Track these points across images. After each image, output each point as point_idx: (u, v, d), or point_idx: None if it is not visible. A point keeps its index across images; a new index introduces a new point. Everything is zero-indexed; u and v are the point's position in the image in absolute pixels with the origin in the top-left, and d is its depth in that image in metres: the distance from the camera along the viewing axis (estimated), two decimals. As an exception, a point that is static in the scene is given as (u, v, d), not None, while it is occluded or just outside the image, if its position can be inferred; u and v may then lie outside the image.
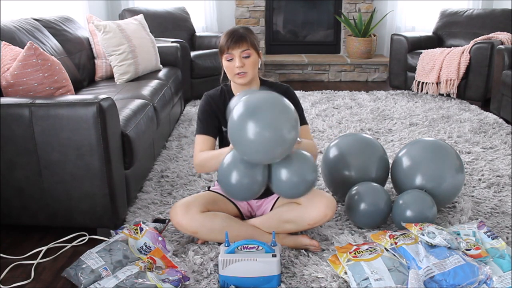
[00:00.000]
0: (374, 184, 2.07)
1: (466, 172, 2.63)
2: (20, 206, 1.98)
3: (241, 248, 1.68)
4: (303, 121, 1.94)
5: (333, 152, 2.24)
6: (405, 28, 5.33)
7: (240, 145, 1.54)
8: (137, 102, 2.51)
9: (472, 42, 4.14)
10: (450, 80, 4.15)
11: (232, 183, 1.61)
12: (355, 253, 1.70)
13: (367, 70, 5.17)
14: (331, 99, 4.20)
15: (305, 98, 4.25)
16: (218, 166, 1.69)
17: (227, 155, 1.66)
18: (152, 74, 3.29)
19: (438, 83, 4.26)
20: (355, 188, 2.06)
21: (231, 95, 1.94)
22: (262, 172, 1.63)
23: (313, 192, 1.92)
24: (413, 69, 4.46)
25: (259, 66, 1.90)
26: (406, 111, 3.83)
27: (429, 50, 4.38)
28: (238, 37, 1.81)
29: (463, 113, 3.75)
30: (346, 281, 1.68)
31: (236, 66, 1.81)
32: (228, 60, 1.83)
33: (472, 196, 2.35)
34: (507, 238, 1.97)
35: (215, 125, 1.94)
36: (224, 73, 1.90)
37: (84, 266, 1.67)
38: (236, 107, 1.56)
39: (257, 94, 1.61)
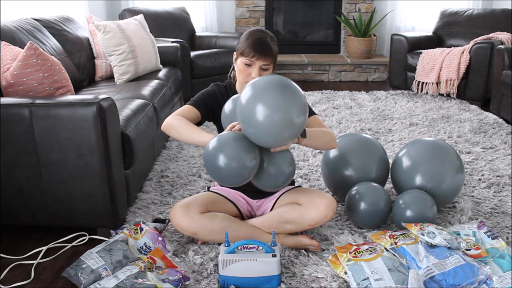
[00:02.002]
0: (374, 184, 2.07)
1: (466, 172, 2.63)
2: (20, 206, 1.98)
3: (241, 248, 1.68)
4: (311, 113, 1.97)
5: (333, 152, 2.24)
6: (405, 28, 5.32)
7: (248, 127, 1.55)
8: (137, 102, 2.51)
9: (472, 42, 4.14)
10: (450, 80, 4.15)
11: (221, 167, 1.57)
12: (355, 253, 1.70)
13: (367, 70, 5.17)
14: (331, 99, 4.20)
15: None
16: (184, 139, 1.79)
17: (211, 140, 1.62)
18: (152, 74, 3.29)
19: (438, 83, 4.26)
20: (355, 188, 2.06)
21: (233, 92, 1.94)
22: (252, 156, 1.60)
23: (313, 192, 1.92)
24: (413, 69, 4.45)
25: None
26: (406, 111, 3.83)
27: (429, 50, 4.38)
28: (267, 50, 1.80)
29: (463, 113, 3.75)
30: (346, 281, 1.68)
31: (253, 75, 1.81)
32: (246, 64, 1.82)
33: (472, 196, 2.35)
34: (507, 238, 1.97)
35: (209, 109, 1.92)
36: (233, 69, 1.89)
37: (84, 266, 1.67)
38: (244, 90, 1.56)
39: (263, 77, 1.60)
